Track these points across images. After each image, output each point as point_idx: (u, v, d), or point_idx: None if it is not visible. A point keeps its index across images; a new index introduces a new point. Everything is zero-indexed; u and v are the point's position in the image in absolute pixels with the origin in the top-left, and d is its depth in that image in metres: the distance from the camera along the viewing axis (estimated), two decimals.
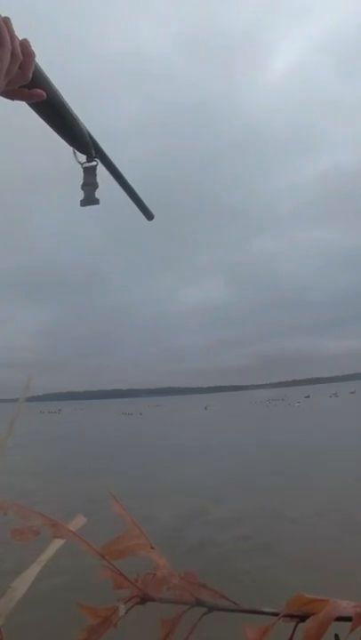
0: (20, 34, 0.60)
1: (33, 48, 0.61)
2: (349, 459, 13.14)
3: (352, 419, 28.28)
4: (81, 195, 0.79)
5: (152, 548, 0.62)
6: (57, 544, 0.78)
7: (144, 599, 0.59)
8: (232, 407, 59.74)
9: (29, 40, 0.61)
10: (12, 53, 0.58)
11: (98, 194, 0.79)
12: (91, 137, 0.77)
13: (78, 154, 0.77)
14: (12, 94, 0.63)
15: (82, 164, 0.78)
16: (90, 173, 0.78)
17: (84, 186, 0.78)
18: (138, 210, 0.88)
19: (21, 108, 0.65)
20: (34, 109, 0.68)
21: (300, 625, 0.58)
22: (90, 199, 0.79)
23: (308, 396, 75.04)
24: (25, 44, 0.60)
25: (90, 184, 0.78)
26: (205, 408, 58.55)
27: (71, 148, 0.77)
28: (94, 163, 0.79)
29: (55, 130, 0.72)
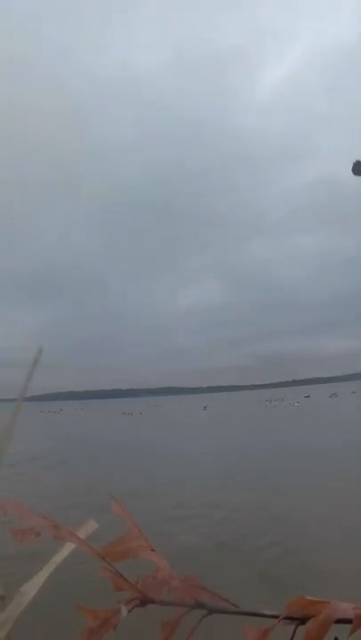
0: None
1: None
2: (347, 459, 13.13)
3: (351, 419, 28.29)
4: None
5: (152, 550, 0.62)
6: (67, 549, 0.78)
7: (144, 601, 0.59)
8: (231, 407, 59.75)
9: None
10: None
11: None
12: None
13: None
14: None
15: None
16: None
17: None
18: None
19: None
20: None
21: (301, 627, 0.59)
22: None
23: (308, 396, 75.02)
24: None
25: None
26: (205, 408, 58.55)
27: None
28: None
29: None
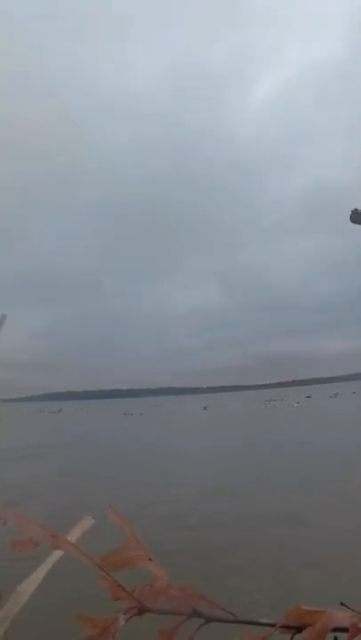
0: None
1: None
2: (346, 460, 13.14)
3: (351, 419, 28.29)
4: None
5: (150, 559, 0.62)
6: None
7: (142, 610, 0.60)
8: (231, 407, 59.73)
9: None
10: None
11: None
12: None
13: None
14: None
15: None
16: None
17: None
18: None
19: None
20: None
21: (297, 636, 0.59)
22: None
23: (309, 396, 75.00)
24: None
25: None
26: (205, 408, 58.55)
27: None
28: None
29: None
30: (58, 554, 0.91)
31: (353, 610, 0.60)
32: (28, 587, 0.86)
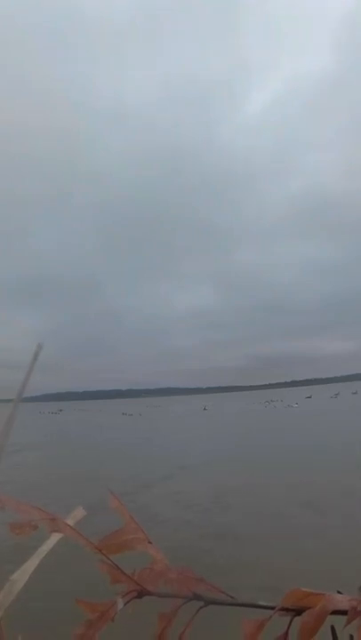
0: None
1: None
2: (344, 460, 13.14)
3: (352, 419, 28.28)
4: None
5: (149, 542, 0.62)
6: (57, 536, 0.78)
7: (141, 593, 0.60)
8: (231, 408, 59.67)
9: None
10: None
11: None
12: None
13: None
14: None
15: None
16: None
17: None
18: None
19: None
20: None
21: (297, 618, 0.59)
22: None
23: (309, 397, 74.96)
24: None
25: None
26: (204, 409, 58.49)
27: None
28: None
29: None
30: (51, 542, 0.90)
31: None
32: (22, 575, 0.85)
